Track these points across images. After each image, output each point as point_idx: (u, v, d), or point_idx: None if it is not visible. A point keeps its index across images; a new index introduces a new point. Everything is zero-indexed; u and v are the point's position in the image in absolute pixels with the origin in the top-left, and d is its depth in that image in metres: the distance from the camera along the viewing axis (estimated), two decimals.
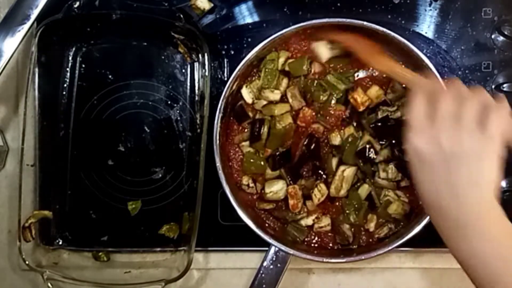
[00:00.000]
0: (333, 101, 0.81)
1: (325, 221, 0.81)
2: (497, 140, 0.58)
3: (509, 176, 0.83)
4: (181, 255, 0.83)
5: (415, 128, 0.60)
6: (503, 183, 0.84)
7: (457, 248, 0.59)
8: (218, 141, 0.78)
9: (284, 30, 0.78)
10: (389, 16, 0.84)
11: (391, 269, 0.86)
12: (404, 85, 0.78)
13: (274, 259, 0.78)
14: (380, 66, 0.74)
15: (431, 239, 0.79)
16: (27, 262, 0.80)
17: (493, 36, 0.84)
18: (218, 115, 0.78)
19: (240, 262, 0.86)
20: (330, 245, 0.82)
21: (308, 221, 0.81)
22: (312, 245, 0.82)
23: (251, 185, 0.82)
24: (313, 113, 0.81)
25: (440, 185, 0.58)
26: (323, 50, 0.80)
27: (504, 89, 0.83)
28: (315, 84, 0.81)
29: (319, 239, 0.82)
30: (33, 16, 0.78)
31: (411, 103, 0.61)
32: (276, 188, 0.80)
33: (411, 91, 0.63)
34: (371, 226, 0.80)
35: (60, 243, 0.87)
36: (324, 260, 0.77)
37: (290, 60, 0.82)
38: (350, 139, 0.80)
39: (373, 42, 0.77)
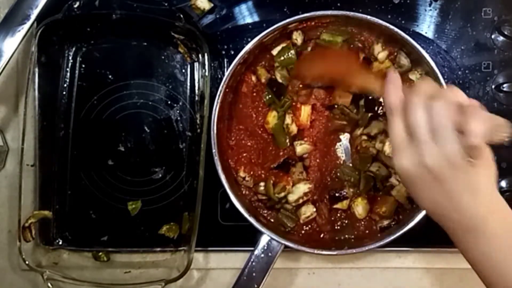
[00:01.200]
0: None
1: (310, 209, 0.81)
2: (483, 146, 0.55)
3: (509, 176, 0.84)
4: (181, 255, 0.83)
5: (397, 149, 0.58)
6: (503, 183, 0.84)
7: (466, 251, 0.58)
8: (215, 133, 0.78)
9: (285, 21, 0.78)
10: (389, 16, 0.84)
11: (391, 269, 0.86)
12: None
13: (265, 248, 0.78)
14: (356, 82, 0.71)
15: (431, 239, 0.79)
16: (27, 262, 0.80)
17: (493, 36, 0.84)
18: (215, 111, 0.78)
19: (240, 262, 0.86)
20: (321, 235, 0.82)
21: (294, 196, 0.81)
22: (304, 232, 0.82)
23: (247, 178, 0.82)
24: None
25: (437, 198, 0.57)
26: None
27: (504, 89, 0.83)
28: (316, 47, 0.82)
29: (311, 229, 0.83)
30: (33, 16, 0.78)
31: (389, 124, 0.59)
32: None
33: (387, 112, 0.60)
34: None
35: (60, 243, 0.87)
36: (316, 251, 0.77)
37: (277, 50, 0.82)
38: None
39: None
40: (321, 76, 0.77)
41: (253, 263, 0.78)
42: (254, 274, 0.77)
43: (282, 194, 0.81)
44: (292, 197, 0.81)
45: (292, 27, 0.81)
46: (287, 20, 0.78)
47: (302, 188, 0.81)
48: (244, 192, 0.83)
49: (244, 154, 0.83)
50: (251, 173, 0.83)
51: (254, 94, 0.83)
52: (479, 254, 0.57)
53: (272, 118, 0.82)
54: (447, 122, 0.54)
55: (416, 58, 0.79)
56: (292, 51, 0.81)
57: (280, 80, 0.82)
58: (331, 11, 0.80)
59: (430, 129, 0.55)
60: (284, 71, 0.82)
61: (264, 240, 0.78)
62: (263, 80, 0.83)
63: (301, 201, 0.81)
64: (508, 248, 0.56)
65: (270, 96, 0.82)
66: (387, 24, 0.77)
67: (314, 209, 0.81)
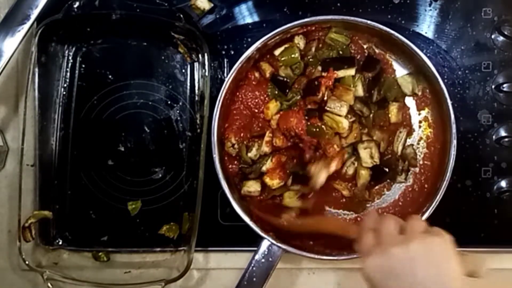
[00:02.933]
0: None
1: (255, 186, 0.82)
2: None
3: (509, 176, 0.84)
4: (181, 255, 0.83)
5: (367, 253, 0.65)
6: (503, 183, 0.84)
7: None
8: (215, 136, 0.78)
9: (285, 26, 0.78)
10: (389, 16, 0.84)
11: None
12: None
13: (266, 253, 0.78)
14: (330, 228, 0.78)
15: None
16: (27, 262, 0.80)
17: (493, 36, 0.84)
18: (216, 113, 0.78)
19: (240, 262, 0.86)
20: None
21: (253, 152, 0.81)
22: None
23: (236, 146, 0.82)
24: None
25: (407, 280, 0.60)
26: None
27: (504, 89, 0.83)
28: (320, 47, 0.83)
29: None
30: (33, 16, 0.78)
31: (359, 241, 0.68)
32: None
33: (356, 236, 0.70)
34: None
35: (60, 243, 0.87)
36: (316, 256, 0.77)
37: (279, 51, 0.82)
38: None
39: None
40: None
41: (254, 268, 0.78)
42: (254, 279, 0.77)
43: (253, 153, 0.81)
44: (251, 153, 0.81)
45: (293, 32, 0.81)
46: (288, 26, 0.78)
47: (265, 148, 0.81)
48: (242, 193, 0.83)
49: (237, 123, 0.83)
50: (238, 139, 0.82)
51: (257, 90, 0.83)
52: None
53: (273, 106, 0.81)
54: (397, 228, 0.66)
55: (416, 62, 0.79)
56: (296, 52, 0.81)
57: (283, 74, 0.82)
58: (332, 16, 0.80)
59: (394, 232, 0.65)
60: (288, 70, 0.82)
61: (264, 245, 0.78)
62: (267, 75, 0.82)
63: (258, 157, 0.81)
64: None
65: (276, 91, 0.82)
66: (387, 29, 0.77)
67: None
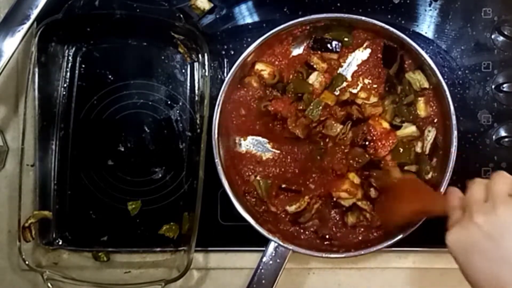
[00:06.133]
0: None
1: None
2: None
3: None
4: (181, 255, 0.83)
5: (452, 225, 0.60)
6: None
7: None
8: (216, 136, 0.78)
9: (283, 26, 0.78)
10: (389, 16, 0.84)
11: (391, 269, 0.86)
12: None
13: (273, 254, 0.78)
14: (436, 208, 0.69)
15: (431, 239, 0.79)
16: (27, 262, 0.80)
17: (493, 36, 0.84)
18: (217, 111, 0.78)
19: (240, 262, 0.86)
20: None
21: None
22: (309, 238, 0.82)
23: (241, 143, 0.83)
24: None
25: (496, 265, 0.55)
26: None
27: (504, 89, 0.83)
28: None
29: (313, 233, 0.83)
30: (33, 16, 0.78)
31: (451, 215, 0.62)
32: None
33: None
34: None
35: (60, 243, 0.87)
36: (324, 255, 0.77)
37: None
38: None
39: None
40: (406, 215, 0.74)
41: (262, 270, 0.77)
42: (263, 281, 0.77)
43: None
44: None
45: (290, 30, 0.80)
46: (286, 24, 0.78)
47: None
48: (247, 197, 0.83)
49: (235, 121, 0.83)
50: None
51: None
52: None
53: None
54: (501, 189, 0.58)
55: (414, 57, 0.79)
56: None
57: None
58: (325, 14, 0.79)
59: (483, 200, 0.58)
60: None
61: (271, 246, 0.78)
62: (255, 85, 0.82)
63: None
64: None
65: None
66: (382, 24, 0.77)
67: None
